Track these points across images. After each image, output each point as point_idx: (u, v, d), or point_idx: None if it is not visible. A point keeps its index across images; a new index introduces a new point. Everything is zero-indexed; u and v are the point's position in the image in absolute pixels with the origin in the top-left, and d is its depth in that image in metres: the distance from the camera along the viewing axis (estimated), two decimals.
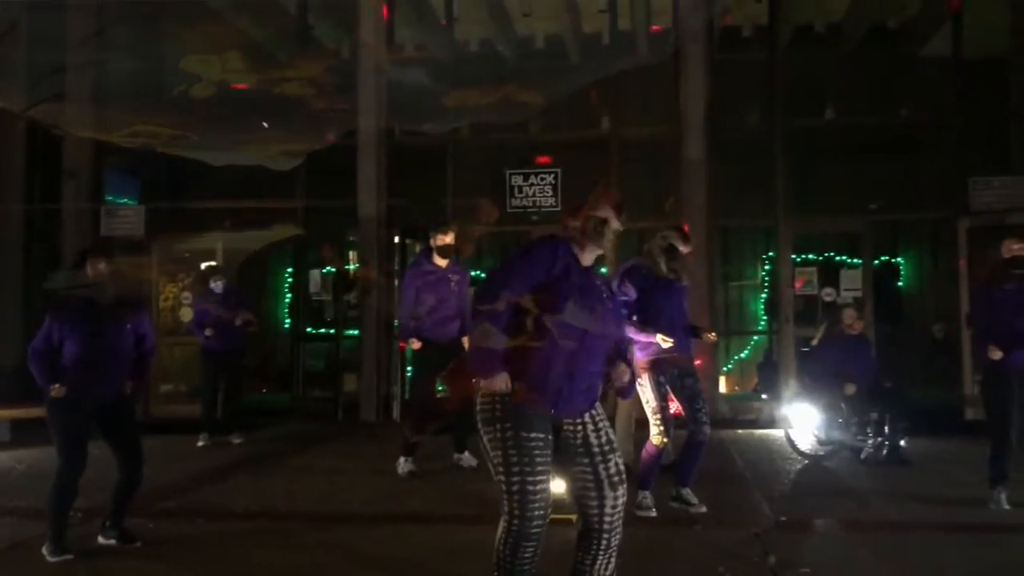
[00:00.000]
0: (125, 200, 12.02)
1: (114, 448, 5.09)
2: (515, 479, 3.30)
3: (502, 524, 3.38)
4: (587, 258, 3.52)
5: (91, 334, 4.97)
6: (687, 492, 5.80)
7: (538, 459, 3.32)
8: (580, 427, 3.43)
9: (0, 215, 11.50)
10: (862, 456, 7.59)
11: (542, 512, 3.34)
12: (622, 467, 3.44)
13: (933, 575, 4.46)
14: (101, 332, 5.00)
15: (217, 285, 9.02)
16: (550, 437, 3.37)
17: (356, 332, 11.11)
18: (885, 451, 7.56)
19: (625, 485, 3.43)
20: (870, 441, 7.60)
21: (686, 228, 6.15)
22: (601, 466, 3.39)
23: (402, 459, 7.11)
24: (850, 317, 8.10)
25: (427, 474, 7.09)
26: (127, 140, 10.76)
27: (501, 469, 3.35)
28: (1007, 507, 5.76)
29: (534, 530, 3.32)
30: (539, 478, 3.32)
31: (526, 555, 3.34)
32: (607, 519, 3.37)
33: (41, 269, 11.20)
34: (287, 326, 12.42)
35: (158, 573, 4.74)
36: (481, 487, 6.50)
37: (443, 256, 7.17)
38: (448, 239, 7.16)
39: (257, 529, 5.60)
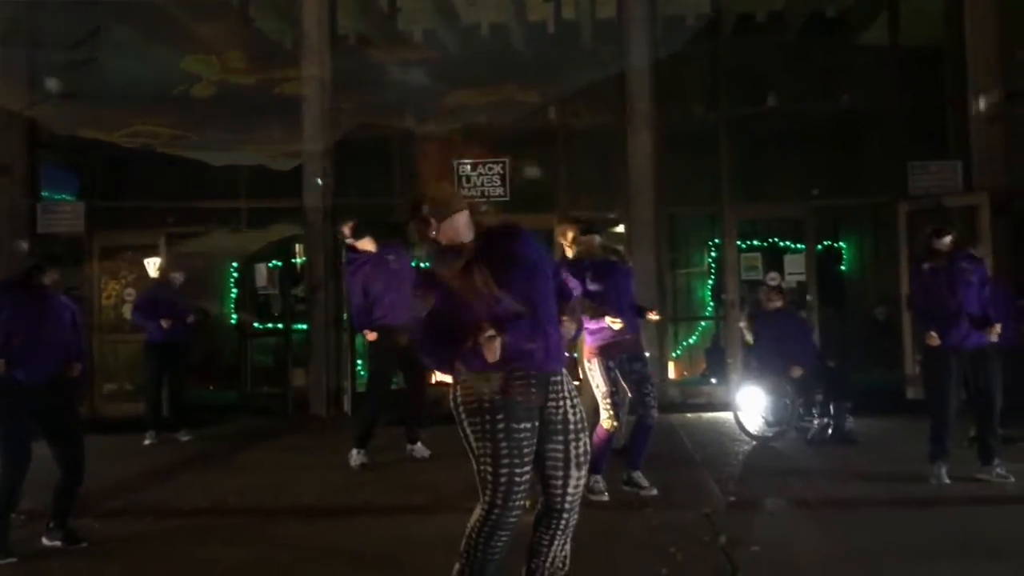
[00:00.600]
0: (63, 196, 11.74)
1: (54, 447, 5.00)
2: (503, 470, 3.30)
3: (479, 512, 3.37)
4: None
5: (35, 315, 4.98)
6: (638, 475, 5.86)
7: (526, 449, 3.34)
8: (562, 403, 3.44)
9: None
10: (808, 436, 7.74)
11: (523, 502, 3.36)
12: (589, 448, 3.48)
13: (877, 549, 4.55)
14: (44, 315, 5.01)
15: (178, 276, 8.98)
16: (536, 424, 3.38)
17: (304, 326, 11.00)
18: (830, 431, 7.72)
19: (588, 466, 3.47)
20: (816, 422, 7.76)
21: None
22: (572, 444, 3.41)
23: (354, 451, 7.07)
24: (764, 293, 8.30)
25: (379, 466, 7.06)
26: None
27: (489, 460, 3.32)
28: (947, 481, 5.92)
29: (512, 518, 3.34)
30: (526, 468, 3.35)
31: (499, 543, 3.37)
32: (568, 498, 3.40)
33: None
34: (234, 321, 12.25)
35: (104, 573, 4.65)
36: (434, 477, 6.50)
37: (357, 237, 7.18)
38: (351, 224, 7.21)
39: (206, 526, 5.52)
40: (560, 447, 3.40)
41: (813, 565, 4.24)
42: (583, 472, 3.44)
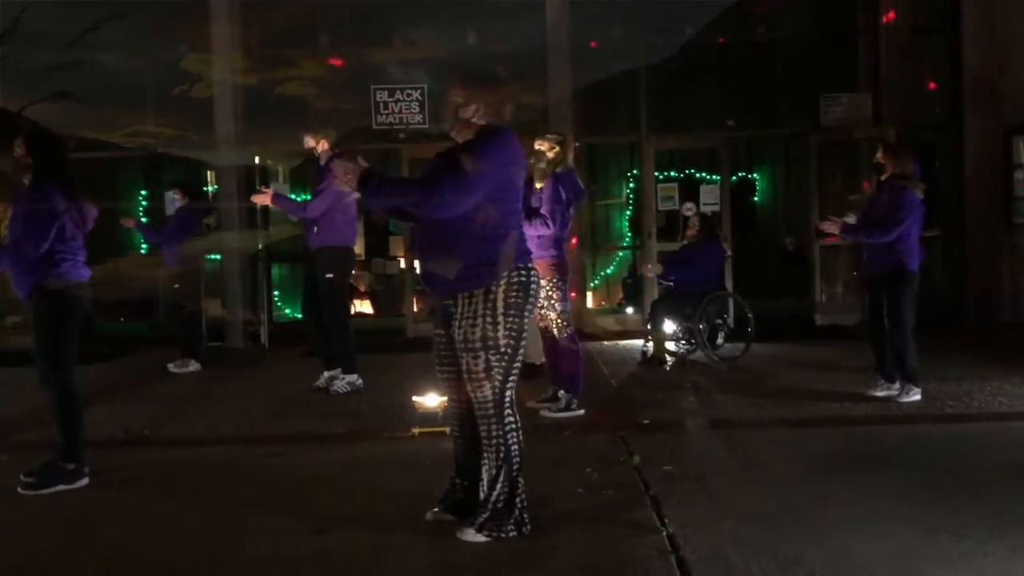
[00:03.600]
0: None
1: None
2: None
3: None
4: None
5: None
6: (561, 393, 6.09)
7: (443, 351, 3.74)
8: (464, 320, 3.58)
9: None
10: (716, 359, 8.02)
11: (453, 396, 3.77)
12: (472, 367, 3.56)
13: (780, 462, 4.77)
14: None
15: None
16: (449, 332, 3.65)
17: (218, 256, 10.77)
18: (739, 354, 8.03)
19: (476, 383, 3.57)
20: (719, 346, 8.09)
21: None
22: (465, 360, 3.60)
23: (346, 376, 6.99)
24: (691, 225, 8.52)
25: (300, 396, 7.02)
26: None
27: None
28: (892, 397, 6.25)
29: (451, 408, 3.83)
30: (444, 367, 3.76)
31: (454, 428, 3.85)
32: (476, 410, 3.63)
33: None
34: (143, 252, 11.89)
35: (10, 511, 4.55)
36: (355, 407, 6.51)
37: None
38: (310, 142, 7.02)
39: (119, 457, 5.42)
40: (461, 360, 3.61)
41: (721, 481, 4.42)
42: (482, 388, 3.55)
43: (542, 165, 5.98)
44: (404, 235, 10.36)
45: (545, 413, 5.97)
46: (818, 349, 8.81)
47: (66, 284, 4.68)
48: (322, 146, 6.97)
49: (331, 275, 6.89)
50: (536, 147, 5.99)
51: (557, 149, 6.03)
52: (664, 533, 3.65)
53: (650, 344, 8.25)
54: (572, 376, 6.04)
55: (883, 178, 6.31)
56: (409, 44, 10.94)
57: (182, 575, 3.45)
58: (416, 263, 3.80)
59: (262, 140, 10.60)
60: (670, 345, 8.28)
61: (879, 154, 6.38)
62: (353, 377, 6.99)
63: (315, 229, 6.88)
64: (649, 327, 8.39)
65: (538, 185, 5.96)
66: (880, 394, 6.30)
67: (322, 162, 6.96)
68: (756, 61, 11.99)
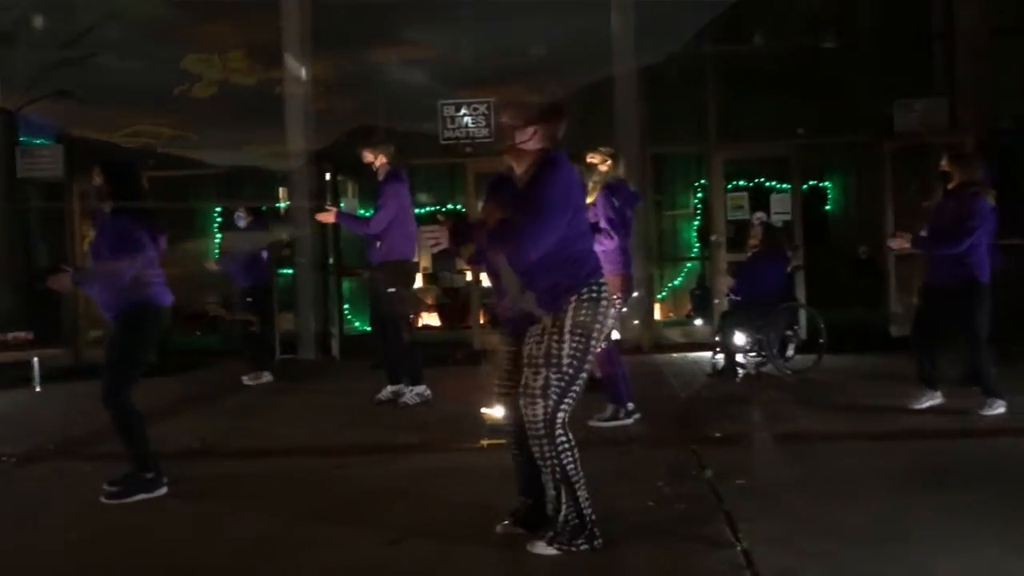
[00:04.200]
0: (40, 141, 11.59)
1: None
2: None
3: None
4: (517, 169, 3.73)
5: None
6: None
7: (506, 366, 3.78)
8: (531, 337, 3.59)
9: None
10: (787, 371, 7.87)
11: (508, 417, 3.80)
12: (531, 382, 3.52)
13: (855, 476, 4.65)
14: None
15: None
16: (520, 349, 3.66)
17: (290, 271, 10.98)
18: (810, 366, 7.88)
19: (529, 399, 3.51)
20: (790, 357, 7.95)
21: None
22: (528, 375, 3.56)
23: (412, 388, 7.04)
24: (754, 235, 8.39)
25: (368, 408, 7.10)
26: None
27: None
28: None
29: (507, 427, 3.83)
30: (504, 381, 3.79)
31: (513, 443, 3.84)
32: (526, 424, 3.57)
33: None
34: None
35: (93, 518, 4.68)
36: (424, 418, 6.55)
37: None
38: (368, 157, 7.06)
39: (196, 468, 5.55)
40: (522, 375, 3.60)
41: (795, 495, 4.33)
42: (534, 405, 3.50)
43: (595, 179, 5.96)
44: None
45: (593, 423, 5.95)
46: (892, 361, 8.55)
47: (149, 307, 4.81)
48: (380, 161, 7.03)
49: (393, 289, 6.97)
50: (588, 161, 5.99)
51: (609, 162, 6.04)
52: (738, 548, 3.59)
53: (720, 356, 8.14)
54: (610, 383, 6.03)
55: (950, 186, 6.11)
56: (467, 49, 10.98)
57: None
58: (483, 277, 3.90)
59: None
60: (740, 357, 8.15)
61: (944, 162, 6.17)
62: (421, 388, 7.04)
63: (377, 244, 6.96)
64: (719, 339, 8.28)
65: (589, 200, 5.92)
66: (924, 405, 6.15)
67: (380, 177, 7.06)
68: (827, 67, 11.77)
